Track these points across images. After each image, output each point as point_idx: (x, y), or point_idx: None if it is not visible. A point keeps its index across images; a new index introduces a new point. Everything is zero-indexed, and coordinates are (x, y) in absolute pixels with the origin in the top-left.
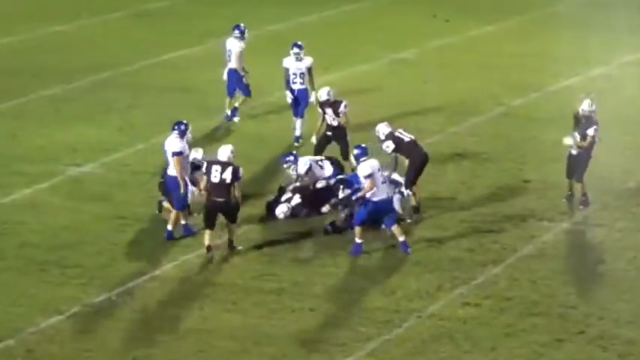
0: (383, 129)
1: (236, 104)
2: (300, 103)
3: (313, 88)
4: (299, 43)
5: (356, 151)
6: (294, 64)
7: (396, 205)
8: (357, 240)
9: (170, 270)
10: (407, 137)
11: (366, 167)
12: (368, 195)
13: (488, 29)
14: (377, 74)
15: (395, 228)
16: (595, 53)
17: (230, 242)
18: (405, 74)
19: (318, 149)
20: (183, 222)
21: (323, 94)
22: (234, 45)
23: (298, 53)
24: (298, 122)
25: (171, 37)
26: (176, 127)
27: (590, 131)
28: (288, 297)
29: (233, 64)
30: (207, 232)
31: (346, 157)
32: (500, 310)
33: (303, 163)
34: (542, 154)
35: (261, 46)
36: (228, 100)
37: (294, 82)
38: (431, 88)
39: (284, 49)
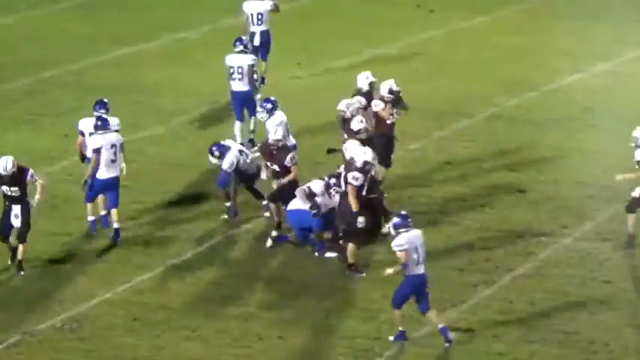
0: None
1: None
2: (244, 102)
3: (256, 87)
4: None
5: (396, 220)
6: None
7: None
8: (400, 328)
9: (122, 293)
10: None
11: (401, 239)
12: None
13: (478, 20)
14: (355, 71)
15: (431, 314)
16: (598, 47)
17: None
18: (386, 71)
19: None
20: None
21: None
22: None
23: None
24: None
25: (119, 31)
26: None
27: None
28: (256, 323)
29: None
30: None
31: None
32: (493, 337)
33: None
34: (539, 161)
35: (221, 41)
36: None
37: (232, 79)
38: (415, 86)
39: None
